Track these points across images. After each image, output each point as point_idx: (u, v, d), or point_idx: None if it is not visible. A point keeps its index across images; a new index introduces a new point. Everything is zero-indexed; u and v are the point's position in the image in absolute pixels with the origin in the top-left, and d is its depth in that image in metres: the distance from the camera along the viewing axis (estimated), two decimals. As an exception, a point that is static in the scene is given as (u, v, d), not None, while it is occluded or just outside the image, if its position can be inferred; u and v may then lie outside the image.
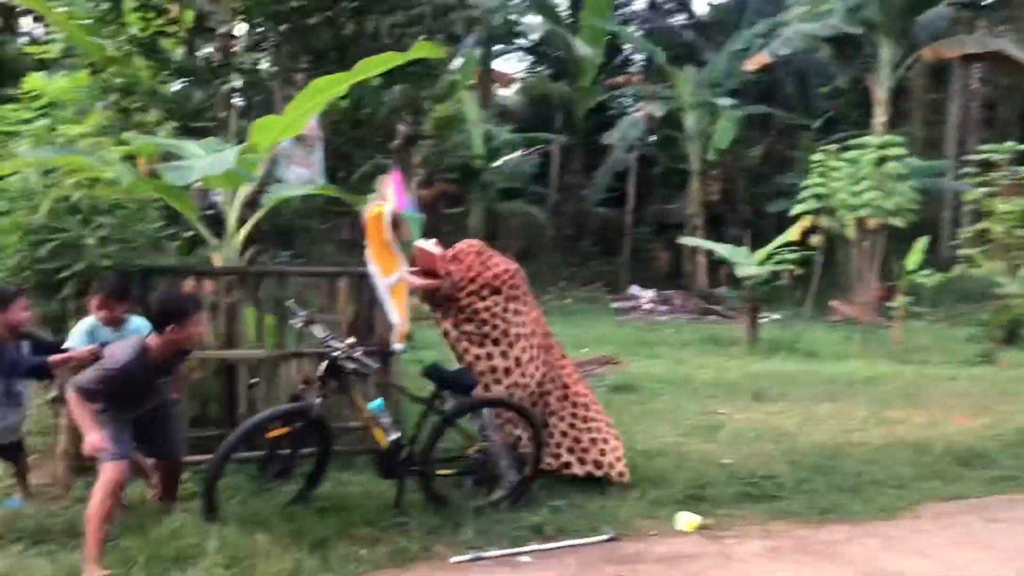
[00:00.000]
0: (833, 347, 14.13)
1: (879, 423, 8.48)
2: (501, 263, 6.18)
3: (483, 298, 5.99)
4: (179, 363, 4.97)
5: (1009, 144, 13.52)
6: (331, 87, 5.94)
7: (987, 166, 14.40)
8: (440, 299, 6.08)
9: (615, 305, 19.82)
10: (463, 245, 6.33)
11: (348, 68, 5.60)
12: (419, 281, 6.10)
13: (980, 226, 14.12)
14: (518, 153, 24.08)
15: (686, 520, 5.50)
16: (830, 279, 21.31)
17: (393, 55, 5.52)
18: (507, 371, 5.92)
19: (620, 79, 26.74)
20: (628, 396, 9.61)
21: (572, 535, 5.25)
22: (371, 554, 4.82)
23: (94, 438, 4.33)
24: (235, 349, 6.13)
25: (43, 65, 9.14)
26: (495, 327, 5.96)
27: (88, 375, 4.44)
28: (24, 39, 18.52)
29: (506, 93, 30.59)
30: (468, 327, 6.00)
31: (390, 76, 9.02)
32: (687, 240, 16.37)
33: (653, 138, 23.43)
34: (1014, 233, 12.74)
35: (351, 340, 5.48)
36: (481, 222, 21.73)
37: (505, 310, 6.00)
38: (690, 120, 20.33)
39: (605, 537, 5.22)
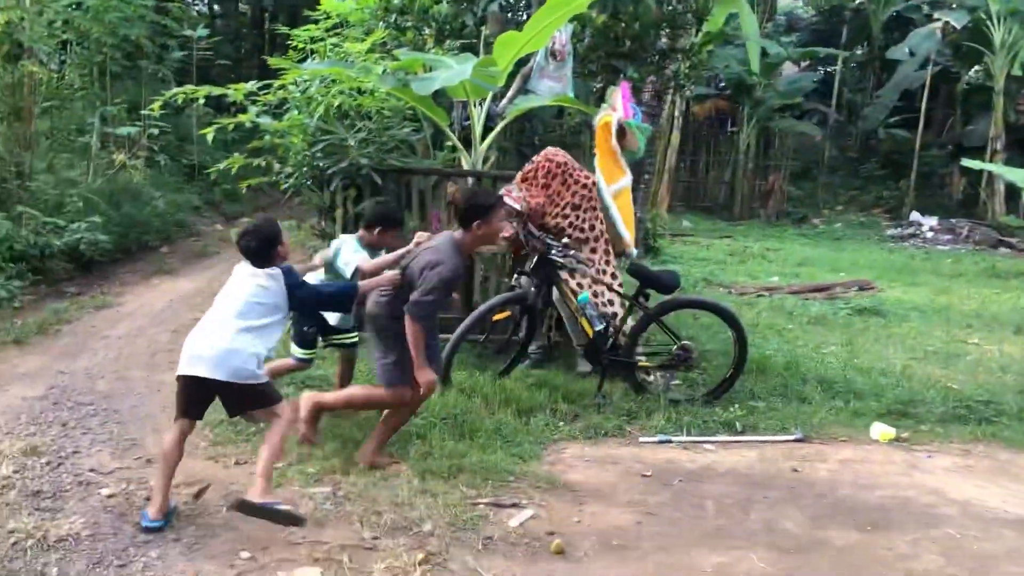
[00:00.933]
0: None
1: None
2: (581, 177, 6.35)
3: (565, 216, 6.24)
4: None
5: None
6: (569, 3, 6.38)
7: None
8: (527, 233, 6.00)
9: (891, 232, 18.72)
10: (542, 161, 6.35)
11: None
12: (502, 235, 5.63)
13: None
14: (795, 69, 23.02)
15: (880, 430, 5.57)
16: None
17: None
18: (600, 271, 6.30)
19: (923, -14, 24.40)
20: (871, 319, 9.41)
21: (761, 432, 5.55)
22: (568, 426, 5.45)
23: (428, 376, 4.41)
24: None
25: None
26: (581, 230, 6.30)
27: (427, 293, 4.28)
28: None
29: (794, 4, 29.06)
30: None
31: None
32: (974, 164, 14.98)
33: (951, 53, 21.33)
34: None
35: (565, 240, 6.04)
36: (754, 141, 21.21)
37: (585, 220, 6.31)
38: (998, 31, 18.29)
39: (792, 437, 5.45)
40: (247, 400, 4.04)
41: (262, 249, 4.07)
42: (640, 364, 6.03)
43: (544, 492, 4.47)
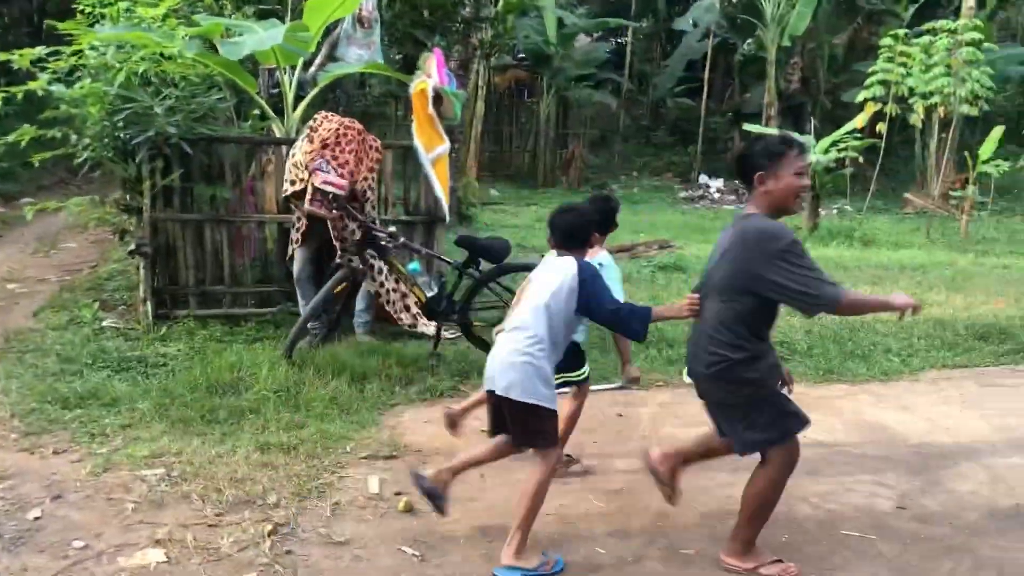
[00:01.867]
0: (895, 237, 14.13)
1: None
2: (373, 142, 6.31)
3: (366, 179, 6.18)
4: None
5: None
6: (380, -32, 6.33)
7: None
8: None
9: (683, 195, 19.93)
10: (341, 128, 6.05)
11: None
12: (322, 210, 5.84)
13: (1053, 114, 13.67)
14: (588, 40, 23.86)
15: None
16: (907, 171, 20.92)
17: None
18: None
19: (702, -38, 25.94)
20: (673, 274, 10.03)
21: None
22: (404, 391, 5.49)
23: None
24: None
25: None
26: (375, 192, 6.43)
27: (808, 279, 3.19)
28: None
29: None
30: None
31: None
32: (751, 127, 16.25)
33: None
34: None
35: (370, 210, 6.06)
36: (554, 110, 21.84)
37: (374, 185, 6.39)
38: (768, 4, 19.79)
39: (615, 385, 5.77)
40: None
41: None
42: (475, 323, 6.15)
43: (387, 457, 4.51)
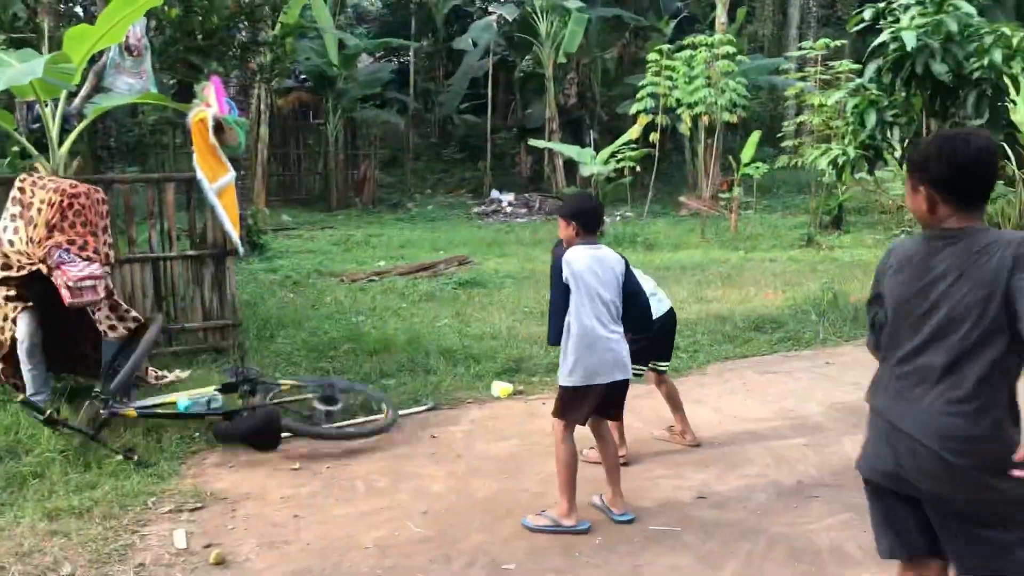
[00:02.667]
0: (674, 239, 15.08)
1: (697, 301, 9.34)
2: (97, 195, 5.81)
3: (106, 241, 5.76)
4: None
5: (822, 41, 14.44)
6: (144, -5, 6.01)
7: (813, 62, 15.38)
8: None
9: (477, 210, 20.29)
10: (66, 197, 5.44)
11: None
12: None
13: (799, 119, 15.13)
14: (370, 61, 23.85)
15: (500, 387, 6.14)
16: (680, 176, 22.41)
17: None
18: None
19: (477, -17, 26.63)
20: (474, 290, 10.20)
21: (397, 408, 5.79)
22: (205, 436, 5.23)
23: None
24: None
25: None
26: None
27: None
28: None
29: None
30: None
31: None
32: (536, 143, 16.87)
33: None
34: (830, 125, 13.77)
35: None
36: (342, 131, 21.62)
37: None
38: (542, 24, 20.60)
39: (425, 407, 5.80)
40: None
41: None
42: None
43: (192, 508, 4.28)
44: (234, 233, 6.81)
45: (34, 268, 5.19)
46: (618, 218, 17.97)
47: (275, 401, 5.27)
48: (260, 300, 9.01)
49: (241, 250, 7.10)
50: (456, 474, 4.73)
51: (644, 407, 5.68)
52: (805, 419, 5.62)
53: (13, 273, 5.25)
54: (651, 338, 4.61)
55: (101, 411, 4.85)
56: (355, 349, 6.94)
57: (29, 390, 5.28)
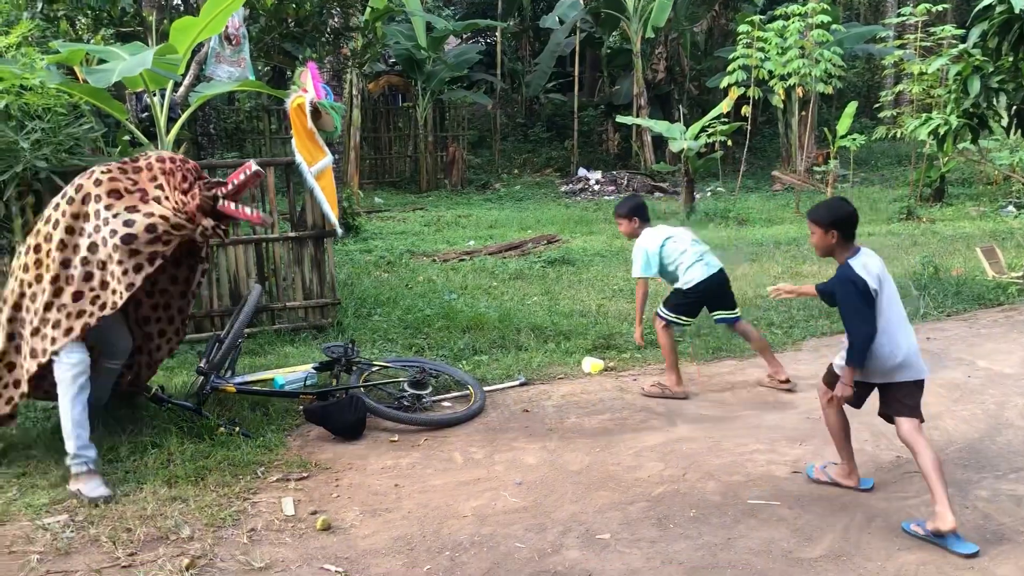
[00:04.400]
0: (767, 214, 14.82)
1: (792, 276, 9.20)
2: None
3: None
4: None
5: (923, 7, 13.87)
6: (244, -15, 6.24)
7: (915, 28, 14.81)
8: None
9: (564, 189, 20.29)
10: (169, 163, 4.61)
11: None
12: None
13: (898, 88, 14.59)
14: (457, 42, 23.99)
15: (591, 363, 6.19)
16: (773, 149, 21.91)
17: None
18: None
19: (563, -41, 26.43)
20: (563, 268, 10.25)
21: (490, 383, 5.92)
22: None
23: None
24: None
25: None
26: None
27: None
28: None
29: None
30: None
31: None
32: (624, 119, 16.73)
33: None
34: (931, 93, 13.25)
35: None
36: (431, 113, 21.88)
37: None
38: (630, -1, 20.38)
39: (518, 382, 5.90)
40: None
41: None
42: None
43: (299, 477, 4.48)
44: (332, 215, 7.03)
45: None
46: (708, 193, 17.73)
47: (367, 384, 5.45)
48: (356, 280, 9.26)
49: (339, 231, 7.32)
50: (549, 447, 4.82)
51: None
52: (905, 395, 5.49)
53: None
54: (704, 296, 5.75)
55: (204, 387, 5.11)
56: (448, 326, 7.09)
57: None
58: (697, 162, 14.45)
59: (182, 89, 7.85)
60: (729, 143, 14.62)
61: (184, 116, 7.03)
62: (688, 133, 14.27)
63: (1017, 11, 7.23)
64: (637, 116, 19.92)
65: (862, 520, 3.85)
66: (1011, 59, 7.83)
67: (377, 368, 5.72)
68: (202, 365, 5.19)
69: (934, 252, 9.97)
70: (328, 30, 10.78)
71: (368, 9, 15.07)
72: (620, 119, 16.93)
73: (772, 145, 22.17)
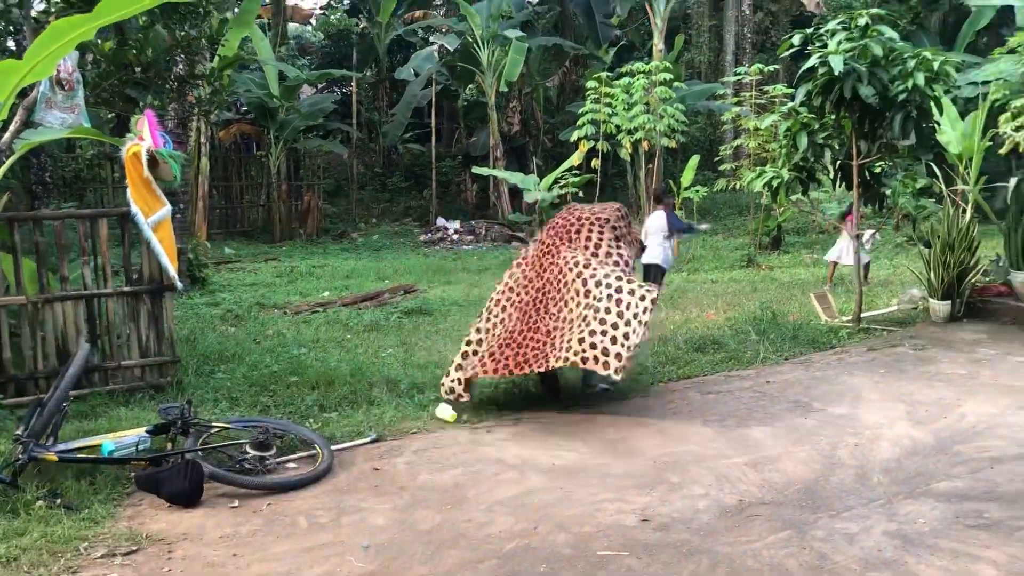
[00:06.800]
0: (619, 262, 15.23)
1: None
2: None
3: None
4: None
5: (756, 67, 14.79)
6: (73, 29, 5.92)
7: (746, 87, 15.74)
8: None
9: (423, 238, 20.27)
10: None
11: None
12: None
13: (736, 142, 15.43)
14: (313, 91, 23.79)
15: (446, 411, 6.11)
16: (624, 200, 22.66)
17: (138, -4, 5.55)
18: None
19: (418, 13, 26.75)
20: (420, 318, 10.16)
21: (340, 441, 5.73)
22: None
23: None
24: (-6, 297, 6.13)
25: None
26: None
27: None
28: None
29: (303, 29, 29.94)
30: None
31: (155, 16, 8.93)
32: (480, 170, 16.96)
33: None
34: (766, 148, 14.07)
35: None
36: (285, 162, 21.47)
37: None
38: (483, 53, 20.76)
39: (368, 440, 5.73)
40: None
41: None
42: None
43: (127, 551, 4.16)
44: (171, 267, 6.71)
45: None
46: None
47: (205, 447, 5.17)
48: (200, 335, 8.85)
49: (179, 285, 6.98)
50: (399, 506, 4.68)
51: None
52: (746, 439, 5.68)
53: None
54: None
55: (20, 456, 4.71)
56: (297, 383, 6.86)
57: None
58: (551, 212, 14.74)
59: (7, 135, 7.35)
60: (580, 194, 15.00)
61: (7, 164, 6.59)
62: (542, 184, 14.59)
63: (837, 73, 7.77)
64: (493, 167, 20.22)
65: (707, 566, 3.90)
66: (834, 117, 8.41)
67: (217, 429, 5.43)
68: (19, 432, 4.78)
69: (772, 298, 10.48)
70: (173, 77, 10.41)
71: (216, 58, 14.74)
72: (476, 170, 17.12)
73: (623, 196, 22.89)
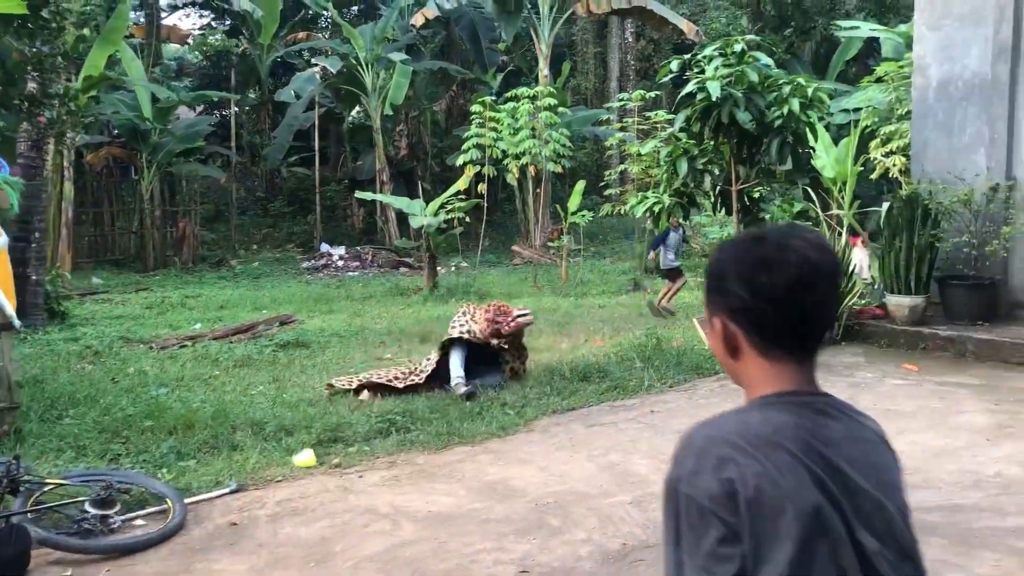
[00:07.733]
0: (506, 288, 15.04)
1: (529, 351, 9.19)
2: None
3: None
4: None
5: (638, 93, 14.95)
6: None
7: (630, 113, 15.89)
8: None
9: (306, 265, 19.65)
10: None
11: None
12: None
13: (621, 168, 15.54)
14: (191, 113, 22.92)
15: (301, 459, 5.69)
16: (513, 225, 22.59)
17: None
18: None
19: (301, 35, 26.15)
20: (296, 351, 9.65)
21: (196, 492, 5.24)
22: None
23: None
24: None
25: None
26: None
27: None
28: None
29: (183, 50, 28.92)
30: None
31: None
32: (364, 195, 16.56)
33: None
34: (649, 173, 14.17)
35: None
36: (159, 187, 20.51)
37: None
38: (368, 76, 20.39)
39: (227, 490, 5.26)
40: None
41: None
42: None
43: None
44: (7, 305, 6.09)
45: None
46: (453, 269, 17.82)
47: (37, 507, 4.61)
48: (52, 375, 8.14)
49: (17, 323, 6.34)
50: (256, 567, 4.25)
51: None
52: (630, 474, 5.48)
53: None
54: None
55: None
56: (153, 427, 6.30)
57: None
58: (438, 238, 14.45)
59: None
60: (467, 219, 14.78)
61: None
62: (428, 210, 14.28)
63: (715, 99, 7.79)
64: (380, 191, 19.81)
65: (588, 621, 3.64)
66: (713, 143, 8.45)
67: (52, 487, 4.87)
68: None
69: (657, 324, 10.44)
70: (22, 97, 9.64)
71: (81, 78, 13.89)
72: (360, 195, 16.71)
73: (512, 221, 22.85)
